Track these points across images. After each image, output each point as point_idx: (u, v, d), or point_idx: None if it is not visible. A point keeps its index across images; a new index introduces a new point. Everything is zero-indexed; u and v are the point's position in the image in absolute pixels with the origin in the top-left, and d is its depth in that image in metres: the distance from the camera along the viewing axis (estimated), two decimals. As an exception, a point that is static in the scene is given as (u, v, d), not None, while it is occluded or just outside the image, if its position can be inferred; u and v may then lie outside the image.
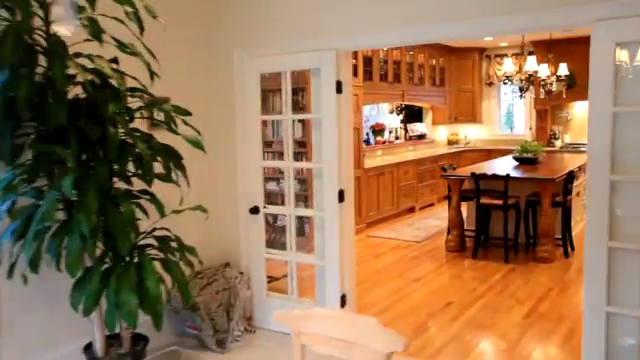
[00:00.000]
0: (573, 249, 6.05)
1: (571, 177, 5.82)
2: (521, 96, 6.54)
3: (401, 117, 11.47)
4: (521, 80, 6.39)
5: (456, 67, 10.53)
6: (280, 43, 3.82)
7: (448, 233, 6.35)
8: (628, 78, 2.77)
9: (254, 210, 4.05)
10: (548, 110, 9.86)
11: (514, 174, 6.06)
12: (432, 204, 9.20)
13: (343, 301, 3.79)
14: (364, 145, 8.42)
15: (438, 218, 8.05)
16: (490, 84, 10.71)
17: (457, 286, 5.14)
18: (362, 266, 5.70)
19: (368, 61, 7.88)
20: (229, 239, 4.19)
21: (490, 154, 10.22)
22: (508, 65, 6.14)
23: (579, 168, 6.17)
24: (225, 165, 4.16)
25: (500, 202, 5.68)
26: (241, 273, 4.06)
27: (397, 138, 10.46)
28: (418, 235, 7.02)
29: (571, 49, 9.14)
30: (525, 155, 6.81)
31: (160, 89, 2.94)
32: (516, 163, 6.90)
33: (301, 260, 4.19)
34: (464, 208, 6.52)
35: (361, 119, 7.22)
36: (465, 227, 6.66)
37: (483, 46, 10.46)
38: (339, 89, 3.67)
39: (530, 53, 7.72)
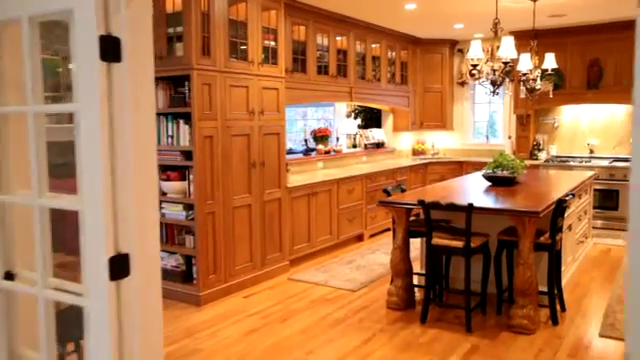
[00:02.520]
0: (564, 309, 4.28)
1: (562, 207, 4.05)
2: (494, 93, 4.76)
3: (358, 122, 9.74)
4: (493, 71, 4.62)
5: (422, 62, 8.78)
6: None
7: (391, 282, 4.54)
8: None
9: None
10: (531, 115, 8.15)
11: (482, 202, 4.28)
12: (387, 229, 7.39)
13: None
14: (291, 156, 6.61)
15: (390, 250, 6.23)
16: (462, 84, 8.99)
17: (389, 379, 3.33)
18: (258, 338, 3.86)
19: (300, 47, 6.08)
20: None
21: (461, 167, 8.48)
22: (475, 49, 4.31)
23: (573, 194, 4.39)
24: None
25: (460, 244, 3.89)
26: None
27: (355, 147, 8.70)
28: (355, 279, 5.20)
29: (561, 41, 7.46)
30: (499, 173, 5.04)
31: None
32: (488, 184, 5.13)
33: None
34: (415, 244, 4.73)
35: (284, 122, 5.39)
36: (417, 270, 4.87)
37: (454, 38, 8.73)
38: (110, 53, 1.81)
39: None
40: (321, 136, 7.30)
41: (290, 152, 10.62)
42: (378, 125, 9.06)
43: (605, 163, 7.41)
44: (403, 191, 4.85)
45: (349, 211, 6.52)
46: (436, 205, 3.95)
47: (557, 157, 8.05)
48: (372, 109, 9.25)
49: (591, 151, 7.92)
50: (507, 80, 4.75)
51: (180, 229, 4.77)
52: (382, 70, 7.79)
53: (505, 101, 8.69)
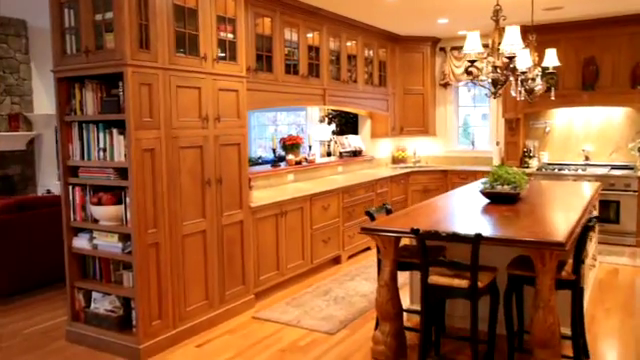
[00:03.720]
0: (587, 356, 3.52)
1: (587, 233, 3.29)
2: (495, 94, 3.99)
3: (333, 127, 8.94)
4: (495, 68, 3.85)
5: (402, 62, 8.02)
6: None
7: (376, 327, 3.72)
8: None
9: None
10: (520, 119, 7.47)
11: (486, 227, 3.50)
12: (367, 249, 6.60)
13: None
14: (257, 168, 5.75)
15: (372, 276, 5.43)
16: (445, 85, 8.27)
17: None
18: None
19: (265, 43, 5.23)
20: None
21: (446, 176, 7.76)
22: (473, 42, 3.54)
23: (597, 216, 3.65)
24: None
25: (464, 283, 3.09)
26: None
27: (329, 155, 7.89)
28: (333, 317, 4.36)
29: (554, 38, 6.76)
30: (499, 189, 4.28)
31: None
32: (485, 201, 4.36)
33: None
34: (402, 277, 3.93)
35: (245, 129, 4.53)
36: (407, 306, 4.08)
37: (436, 35, 8.00)
38: None
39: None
40: (291, 144, 6.46)
41: (259, 163, 9.78)
42: (354, 131, 8.28)
43: (602, 171, 6.75)
44: (389, 212, 4.04)
45: (324, 231, 5.68)
46: (435, 235, 3.14)
47: (549, 165, 7.37)
48: (348, 113, 8.46)
49: (586, 158, 7.26)
50: (511, 79, 3.98)
51: (117, 264, 3.86)
52: (359, 70, 7.00)
53: (492, 104, 7.99)
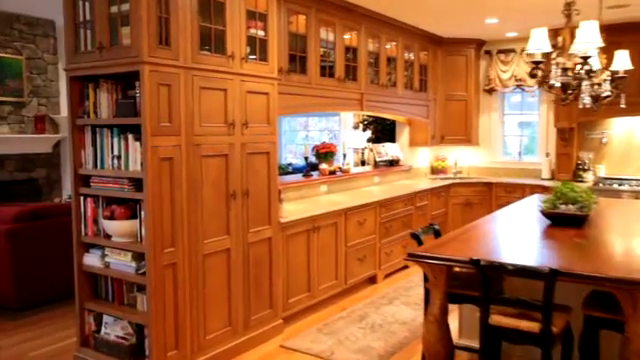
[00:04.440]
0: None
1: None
2: (564, 100, 3.45)
3: (368, 134, 8.46)
4: (565, 70, 3.30)
5: (444, 66, 7.49)
6: None
7: (423, 368, 3.22)
8: None
9: None
10: (575, 129, 6.83)
11: (553, 256, 2.96)
12: (405, 267, 6.08)
13: None
14: (288, 178, 5.30)
15: (412, 299, 4.92)
16: (490, 91, 7.69)
17: None
18: None
19: (299, 43, 4.80)
20: None
21: (490, 189, 7.17)
22: (538, 40, 3.00)
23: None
24: None
25: (534, 327, 2.56)
26: None
27: (363, 164, 7.40)
28: (370, 350, 3.86)
29: (614, 40, 6.10)
30: (564, 210, 3.72)
31: None
32: (546, 222, 3.81)
33: None
34: (454, 313, 3.42)
35: (275, 137, 4.09)
36: (456, 341, 3.56)
37: (482, 37, 7.44)
38: None
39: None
40: (325, 152, 6.00)
41: (289, 172, 9.34)
42: (391, 139, 7.77)
43: (668, 187, 6.08)
44: (437, 234, 3.53)
45: (359, 248, 5.20)
46: (499, 268, 2.62)
47: (607, 179, 6.71)
48: (384, 120, 7.97)
49: (649, 172, 6.59)
50: (585, 83, 3.42)
51: (130, 285, 3.46)
52: (398, 74, 6.50)
53: (542, 112, 7.39)
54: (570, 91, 3.36)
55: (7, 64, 7.53)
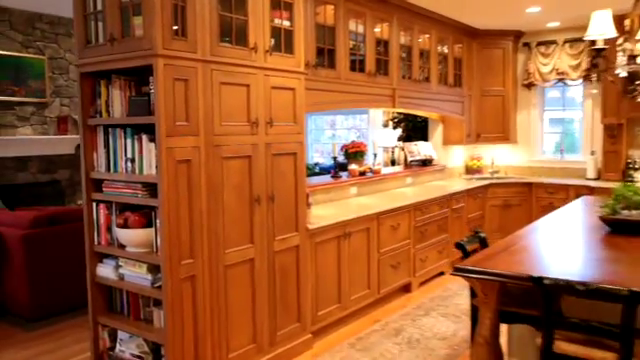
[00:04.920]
0: None
1: None
2: (632, 92, 3.04)
3: (399, 132, 8.07)
4: (634, 58, 2.89)
5: (480, 59, 7.07)
6: None
7: (470, 396, 2.85)
8: None
9: None
10: (623, 125, 6.34)
11: (625, 271, 2.56)
12: (441, 274, 5.70)
13: None
14: (316, 180, 4.96)
15: (451, 310, 4.55)
16: (529, 86, 7.23)
17: None
18: None
19: (327, 35, 4.46)
20: None
21: (530, 190, 6.73)
22: (601, 24, 2.60)
23: None
24: None
25: (612, 358, 2.18)
26: None
27: (393, 163, 7.06)
28: (408, 369, 3.52)
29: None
30: (627, 216, 3.31)
31: None
32: (605, 229, 3.40)
33: None
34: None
35: (303, 136, 3.76)
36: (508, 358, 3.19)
37: (520, 28, 7.00)
38: None
39: None
40: (354, 152, 5.66)
41: (316, 172, 9.01)
42: (423, 137, 7.39)
43: None
44: (483, 243, 3.16)
45: (393, 255, 4.84)
46: (567, 289, 2.25)
47: (659, 178, 6.21)
48: (415, 117, 7.59)
49: None
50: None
51: (146, 299, 3.18)
52: (432, 68, 6.12)
53: (586, 107, 6.91)
54: (638, 81, 2.94)
55: (29, 64, 7.40)
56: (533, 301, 2.52)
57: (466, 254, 2.92)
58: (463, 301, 4.75)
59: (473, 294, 2.85)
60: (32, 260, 4.31)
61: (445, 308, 4.64)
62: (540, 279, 2.27)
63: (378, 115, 9.28)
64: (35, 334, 4.20)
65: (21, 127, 7.38)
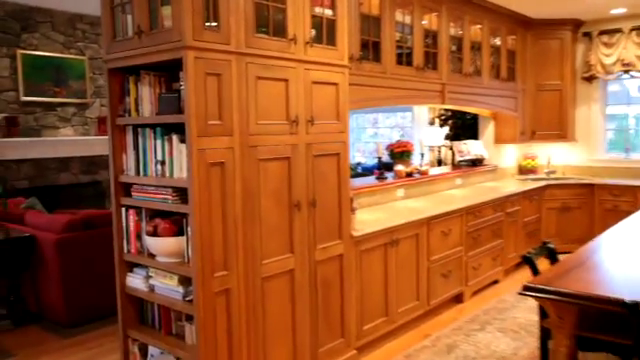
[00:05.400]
0: None
1: None
2: None
3: (446, 131, 7.67)
4: None
5: (534, 51, 6.58)
6: None
7: None
8: None
9: None
10: (699, 120, 5.76)
11: None
12: (495, 281, 5.30)
13: None
14: (359, 181, 4.63)
15: (508, 325, 4.15)
16: (590, 79, 6.69)
17: None
18: None
19: (372, 26, 4.14)
20: None
21: (592, 191, 6.22)
22: None
23: None
24: None
25: None
26: None
27: (439, 163, 6.69)
28: (464, 394, 3.16)
29: None
30: None
31: None
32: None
33: None
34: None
35: (346, 135, 3.46)
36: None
37: (579, 17, 6.48)
38: None
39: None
40: (401, 152, 5.33)
41: (359, 173, 8.68)
42: (472, 135, 6.96)
43: None
44: (552, 255, 2.78)
45: (444, 263, 4.48)
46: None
47: None
48: (464, 114, 7.18)
49: None
50: None
51: (178, 312, 2.95)
52: (484, 61, 5.70)
53: (654, 101, 6.33)
54: None
55: (70, 65, 7.38)
56: (614, 325, 2.15)
57: (534, 269, 2.55)
58: (521, 314, 4.35)
59: (543, 314, 2.48)
60: (66, 265, 4.18)
61: (502, 322, 4.25)
62: (636, 306, 1.89)
63: (423, 112, 8.88)
64: (69, 342, 4.05)
65: (62, 128, 7.37)
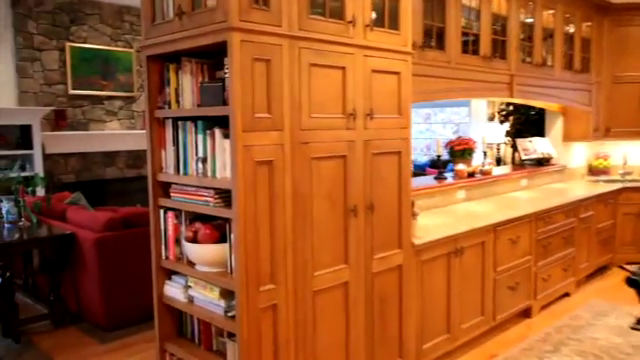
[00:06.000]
0: None
1: None
2: None
3: (507, 127, 7.15)
4: None
5: (611, 40, 5.97)
6: None
7: None
8: None
9: None
10: None
11: None
12: (566, 294, 4.79)
13: None
14: (416, 181, 4.21)
15: (587, 347, 3.67)
16: (674, 70, 6.02)
17: None
18: None
19: (436, 10, 3.73)
20: None
21: (675, 196, 5.56)
22: None
23: None
24: None
25: None
26: None
27: (499, 162, 6.20)
28: None
29: None
30: None
31: None
32: None
33: None
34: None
35: (409, 131, 3.08)
36: None
37: (665, 1, 5.83)
38: None
39: None
40: (461, 150, 4.88)
41: (412, 172, 8.21)
42: (538, 132, 6.41)
43: None
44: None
45: (511, 274, 4.03)
46: None
47: None
48: (528, 109, 6.64)
49: None
50: None
51: (219, 328, 2.65)
52: (556, 50, 5.17)
53: None
54: None
55: (118, 58, 7.28)
56: None
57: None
58: (602, 335, 3.85)
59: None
60: (106, 265, 3.98)
61: (579, 343, 3.77)
62: None
63: (481, 107, 8.36)
64: (108, 347, 3.85)
65: (109, 122, 7.28)
